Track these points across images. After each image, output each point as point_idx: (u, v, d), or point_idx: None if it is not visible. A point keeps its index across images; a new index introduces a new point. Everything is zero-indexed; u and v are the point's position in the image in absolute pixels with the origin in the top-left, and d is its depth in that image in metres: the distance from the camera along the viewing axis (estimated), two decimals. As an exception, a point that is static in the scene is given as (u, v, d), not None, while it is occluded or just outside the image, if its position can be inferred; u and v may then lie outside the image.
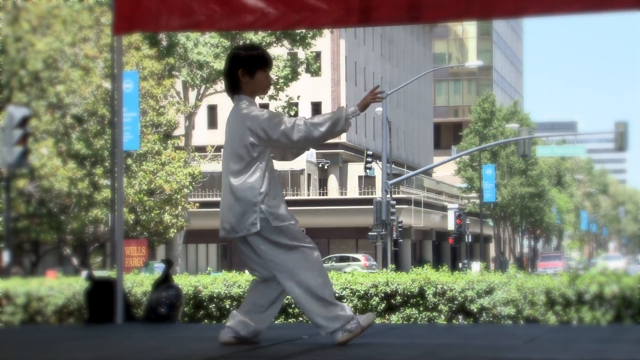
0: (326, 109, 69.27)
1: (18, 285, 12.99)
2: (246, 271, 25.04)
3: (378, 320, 11.26)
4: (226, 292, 11.75)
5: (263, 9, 7.39)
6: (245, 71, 6.24)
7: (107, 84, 31.61)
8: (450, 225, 64.50)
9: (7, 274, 25.08)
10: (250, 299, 6.28)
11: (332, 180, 69.42)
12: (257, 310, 6.27)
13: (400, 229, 51.09)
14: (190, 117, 42.53)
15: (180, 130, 41.32)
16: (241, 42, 40.60)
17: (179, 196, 34.42)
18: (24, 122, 25.10)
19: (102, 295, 8.74)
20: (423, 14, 7.28)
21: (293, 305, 11.65)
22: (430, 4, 7.18)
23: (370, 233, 46.74)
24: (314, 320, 6.16)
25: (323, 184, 68.78)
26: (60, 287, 12.59)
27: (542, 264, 77.90)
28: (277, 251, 6.11)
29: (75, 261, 36.31)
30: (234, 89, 6.30)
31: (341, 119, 6.13)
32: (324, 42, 61.25)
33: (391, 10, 7.26)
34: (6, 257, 27.25)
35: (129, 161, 32.52)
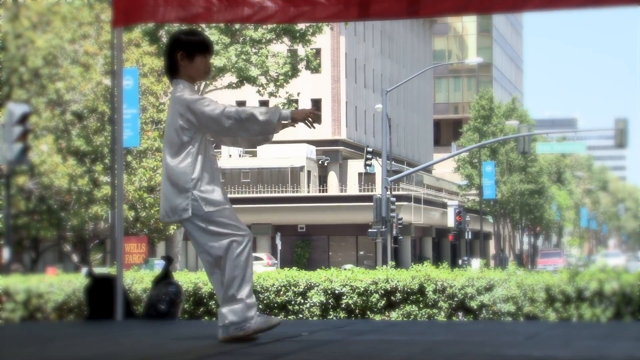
0: (326, 105, 69.29)
1: (18, 282, 12.99)
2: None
3: (378, 317, 11.27)
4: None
5: (261, 2, 7.39)
6: (185, 54, 6.21)
7: (107, 81, 31.62)
8: (450, 222, 64.49)
9: (7, 271, 25.10)
10: (219, 292, 6.23)
11: (332, 177, 69.42)
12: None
13: (400, 226, 51.09)
14: (190, 114, 42.53)
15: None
16: (241, 39, 40.60)
17: (179, 193, 34.40)
18: (23, 118, 25.12)
19: (102, 292, 8.75)
20: (422, 8, 7.26)
21: (293, 303, 11.65)
22: None
23: (370, 230, 46.73)
24: (220, 308, 6.15)
25: (323, 180, 68.79)
26: (60, 283, 12.60)
27: (542, 261, 77.97)
28: (206, 238, 6.09)
29: (75, 258, 36.32)
30: (172, 72, 6.26)
31: (274, 118, 6.05)
32: (324, 38, 61.23)
33: (390, 4, 7.25)
34: (6, 254, 27.27)
35: (129, 158, 32.53)
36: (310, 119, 6.15)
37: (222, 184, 6.29)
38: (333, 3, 7.30)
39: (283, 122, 6.11)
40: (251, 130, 6.09)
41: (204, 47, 6.28)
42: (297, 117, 6.14)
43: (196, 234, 6.12)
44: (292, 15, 7.54)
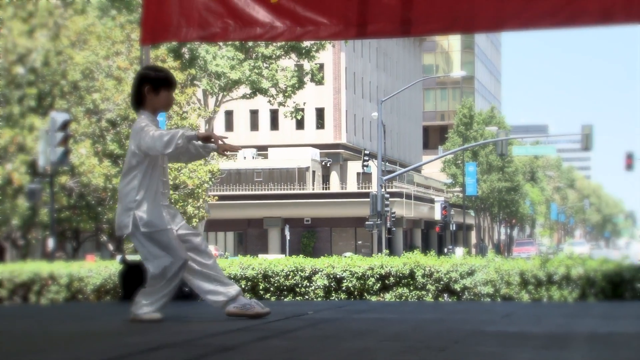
0: (329, 114, 69.23)
1: (62, 268, 13.02)
2: (259, 255, 25.03)
3: (374, 298, 11.28)
4: (242, 273, 11.77)
5: (271, 23, 7.40)
6: (152, 88, 6.13)
7: (137, 92, 31.63)
8: (437, 215, 64.49)
9: (52, 258, 25.13)
10: (196, 277, 6.26)
11: (334, 177, 69.38)
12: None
13: (393, 219, 51.06)
14: (209, 120, 42.54)
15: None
16: (254, 55, 40.57)
17: (200, 190, 34.46)
18: (64, 125, 25.14)
19: (133, 276, 8.77)
20: (413, 28, 7.28)
21: (299, 286, 11.67)
22: (419, 19, 7.17)
23: (367, 222, 46.73)
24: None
25: (326, 179, 68.74)
26: (98, 269, 12.62)
27: (517, 249, 77.85)
28: (143, 254, 6.15)
29: (110, 247, 36.35)
30: (138, 104, 6.18)
31: (174, 137, 5.88)
32: (327, 54, 61.21)
33: (385, 24, 7.26)
34: (51, 243, 27.31)
35: (157, 159, 32.52)
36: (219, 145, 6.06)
37: (165, 207, 6.13)
38: (334, 23, 7.31)
39: (185, 138, 5.94)
40: (161, 149, 5.93)
41: (168, 83, 6.19)
42: (204, 138, 6.04)
43: (137, 246, 6.17)
44: (299, 34, 7.55)
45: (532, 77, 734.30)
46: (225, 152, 6.15)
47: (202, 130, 41.47)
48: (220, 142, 6.06)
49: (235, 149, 6.16)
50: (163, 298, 6.24)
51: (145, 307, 6.22)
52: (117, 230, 6.21)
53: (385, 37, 10.38)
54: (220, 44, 39.88)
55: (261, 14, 7.38)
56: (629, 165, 52.10)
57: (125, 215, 6.07)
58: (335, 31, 7.40)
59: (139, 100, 6.17)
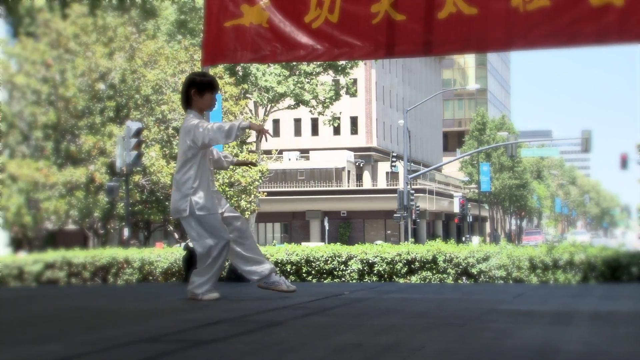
0: (361, 122, 69.07)
1: (135, 253, 13.11)
2: (302, 242, 24.98)
3: (402, 281, 11.21)
4: (287, 259, 11.75)
5: (313, 46, 7.39)
6: (197, 91, 6.16)
7: (198, 104, 31.79)
8: (456, 208, 64.04)
9: (127, 245, 25.36)
10: (236, 259, 6.28)
11: (366, 175, 69.25)
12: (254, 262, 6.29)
13: (418, 212, 50.81)
14: (260, 128, 42.61)
15: (252, 138, 41.43)
16: (297, 72, 40.60)
17: (251, 187, 34.58)
18: (138, 133, 25.34)
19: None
20: (433, 48, 7.26)
21: (337, 269, 11.62)
22: (439, 41, 7.14)
23: (395, 215, 46.54)
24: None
25: (359, 178, 68.63)
26: (165, 254, 12.68)
27: (525, 238, 77.02)
28: (192, 235, 6.12)
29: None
30: (187, 105, 6.21)
31: (234, 128, 5.99)
32: (360, 71, 61.07)
33: (409, 46, 7.25)
34: (126, 232, 27.56)
35: (215, 161, 32.68)
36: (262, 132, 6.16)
37: (214, 192, 6.19)
38: (366, 45, 7.29)
39: (242, 128, 6.05)
40: (229, 138, 6.03)
41: (211, 86, 6.21)
42: (254, 128, 6.11)
43: (187, 229, 6.13)
44: (336, 55, 7.54)
45: (537, 88, 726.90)
46: (263, 134, 6.19)
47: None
48: (265, 134, 6.18)
49: (266, 132, 6.24)
50: (213, 277, 6.21)
51: (202, 286, 6.19)
52: (173, 213, 6.18)
53: (410, 57, 10.36)
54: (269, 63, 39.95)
55: (304, 39, 7.38)
56: (624, 164, 51.35)
57: (182, 201, 6.07)
58: (367, 52, 7.39)
59: (187, 101, 6.20)
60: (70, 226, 35.09)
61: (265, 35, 7.50)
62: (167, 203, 32.41)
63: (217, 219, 6.08)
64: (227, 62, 8.10)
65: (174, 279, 12.12)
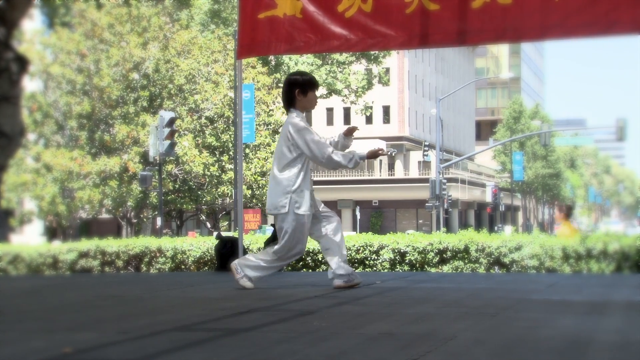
0: (394, 111, 68.80)
1: (168, 242, 13.20)
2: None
3: (433, 270, 11.17)
4: (318, 248, 11.75)
5: (346, 36, 7.36)
6: (300, 91, 6.18)
7: (231, 94, 31.91)
8: (488, 198, 63.57)
9: (160, 234, 25.57)
10: (330, 252, 6.24)
11: (398, 164, 69.02)
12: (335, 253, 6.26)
13: (450, 201, 50.53)
14: (292, 117, 42.66)
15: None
16: (329, 61, 40.53)
17: (284, 176, 34.56)
18: (171, 122, 25.50)
19: (227, 249, 8.83)
20: (468, 38, 7.17)
21: (368, 259, 11.61)
22: (473, 31, 7.07)
23: (427, 204, 46.36)
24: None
25: (391, 167, 68.44)
26: (198, 243, 12.75)
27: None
28: (282, 230, 6.14)
29: (208, 224, 36.84)
30: (290, 105, 6.23)
31: (353, 160, 6.08)
32: (392, 60, 60.77)
33: (444, 35, 7.18)
34: (159, 221, 27.79)
35: (247, 151, 32.83)
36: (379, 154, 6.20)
37: (313, 192, 6.25)
38: (400, 35, 7.23)
39: (358, 161, 6.11)
40: (334, 166, 6.15)
41: (314, 85, 6.26)
42: (371, 156, 6.17)
43: (283, 224, 6.13)
44: (370, 45, 7.50)
45: (572, 76, 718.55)
46: (383, 155, 6.27)
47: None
48: (385, 154, 6.31)
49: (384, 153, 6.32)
50: (266, 271, 6.25)
51: (253, 270, 6.21)
52: (271, 209, 6.20)
53: (444, 47, 10.26)
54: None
55: (337, 29, 7.35)
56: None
57: (283, 198, 6.10)
58: (400, 42, 7.33)
59: (290, 101, 6.23)
60: (104, 215, 35.46)
61: (299, 25, 7.48)
62: (199, 192, 32.63)
63: (307, 220, 6.13)
64: (262, 54, 8.10)
65: (206, 268, 12.19)
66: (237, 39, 7.93)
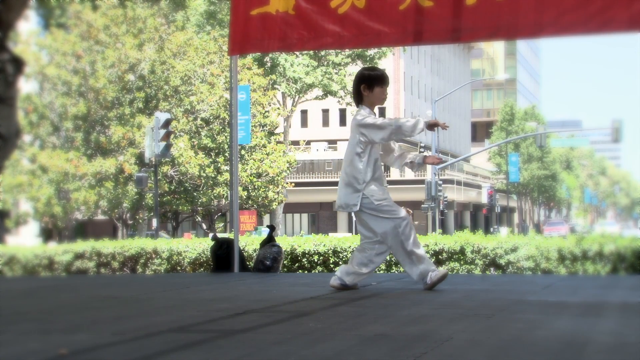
0: (389, 112, 68.76)
1: (163, 244, 13.19)
2: (329, 233, 24.97)
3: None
4: (314, 249, 11.76)
5: (339, 33, 7.35)
6: (367, 86, 6.02)
7: (227, 95, 31.89)
8: (484, 199, 63.69)
9: (156, 235, 25.53)
10: (356, 258, 6.15)
11: (394, 166, 69.01)
12: (362, 264, 6.15)
13: (446, 202, 50.56)
14: (287, 119, 42.67)
15: (280, 129, 41.50)
16: (325, 62, 40.53)
17: (279, 178, 34.63)
18: (167, 123, 25.47)
19: (223, 251, 8.82)
20: (462, 36, 7.17)
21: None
22: (468, 28, 7.07)
23: (423, 205, 46.40)
24: (406, 270, 6.12)
25: (387, 168, 68.44)
26: (193, 245, 12.74)
27: (547, 229, 75.19)
28: (373, 222, 6.00)
29: (204, 226, 36.80)
30: (358, 101, 6.07)
31: (418, 126, 5.93)
32: (388, 61, 60.79)
33: (438, 33, 7.17)
34: (155, 223, 27.75)
35: (243, 152, 32.81)
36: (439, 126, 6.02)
37: (386, 188, 6.13)
38: (394, 32, 7.23)
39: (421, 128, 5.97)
40: (396, 138, 6.01)
41: (381, 80, 6.07)
42: (432, 125, 6.01)
43: (364, 218, 6.01)
44: (363, 42, 7.49)
45: (567, 78, 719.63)
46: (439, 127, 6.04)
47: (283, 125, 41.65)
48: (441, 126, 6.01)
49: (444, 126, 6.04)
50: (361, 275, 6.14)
51: (346, 276, 6.13)
52: (343, 207, 6.06)
53: (438, 44, 10.11)
54: (297, 53, 39.93)
55: (330, 25, 7.35)
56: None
57: (354, 196, 5.99)
58: (394, 39, 7.33)
59: (358, 97, 6.08)
60: (100, 217, 35.40)
61: (292, 22, 7.47)
62: (195, 193, 32.58)
63: (390, 203, 6.00)
64: (254, 51, 8.09)
65: (202, 269, 12.18)
66: (229, 36, 7.91)
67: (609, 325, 4.29)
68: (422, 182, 53.60)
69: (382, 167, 6.24)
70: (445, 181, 57.91)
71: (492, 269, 11.14)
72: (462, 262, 11.18)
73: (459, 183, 63.74)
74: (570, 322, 4.42)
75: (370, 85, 6.02)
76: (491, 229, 63.27)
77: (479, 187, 69.54)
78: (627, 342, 3.72)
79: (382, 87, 6.05)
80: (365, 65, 38.60)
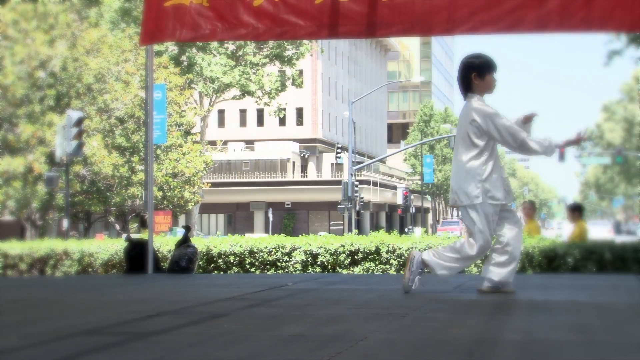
0: (307, 113, 69.05)
1: (74, 245, 12.88)
2: (246, 234, 24.84)
3: (345, 271, 11.25)
4: (231, 250, 11.69)
5: (254, 24, 7.35)
6: (478, 74, 5.73)
7: (142, 94, 31.40)
8: (399, 200, 64.60)
9: (66, 236, 24.91)
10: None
11: (311, 166, 69.32)
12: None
13: (362, 203, 51.10)
14: (204, 118, 42.30)
15: (196, 129, 41.10)
16: (243, 62, 40.36)
17: (195, 178, 34.32)
18: (79, 122, 24.89)
19: (137, 252, 8.68)
20: (377, 30, 7.28)
21: (280, 261, 11.58)
22: (382, 23, 7.18)
23: (339, 206, 46.75)
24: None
25: (304, 169, 68.67)
26: (106, 246, 12.49)
27: (441, 228, 75.07)
28: (478, 221, 5.68)
29: (117, 226, 36.11)
30: (467, 90, 5.77)
31: (549, 149, 5.70)
32: (306, 62, 60.99)
33: (353, 27, 7.26)
34: (66, 223, 27.07)
35: (158, 152, 32.37)
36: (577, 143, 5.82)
37: (506, 180, 5.77)
38: (309, 25, 7.28)
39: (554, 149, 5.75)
40: (526, 153, 5.74)
41: (492, 67, 5.77)
42: (566, 144, 5.88)
43: (474, 216, 5.68)
44: (277, 34, 7.49)
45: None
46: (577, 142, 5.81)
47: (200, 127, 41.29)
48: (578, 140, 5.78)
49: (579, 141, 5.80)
50: (453, 271, 5.89)
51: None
52: (463, 199, 5.68)
53: (353, 38, 10.16)
54: (214, 52, 39.60)
55: (245, 17, 7.34)
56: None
57: (474, 187, 5.62)
58: (309, 32, 7.37)
59: (467, 87, 5.76)
60: (7, 217, 34.32)
61: (206, 14, 7.41)
62: (108, 193, 31.95)
63: (496, 210, 5.66)
64: (166, 40, 7.99)
65: (114, 270, 11.94)
66: (142, 26, 7.79)
67: (518, 323, 4.42)
68: (338, 182, 54.02)
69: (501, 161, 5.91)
70: (362, 182, 58.51)
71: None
72: (377, 263, 11.30)
73: (375, 184, 64.51)
74: (481, 320, 4.52)
75: (481, 73, 5.73)
76: (406, 230, 64.24)
77: (394, 188, 70.52)
78: (535, 339, 3.84)
79: (492, 74, 5.78)
80: (365, 63, 38.58)
